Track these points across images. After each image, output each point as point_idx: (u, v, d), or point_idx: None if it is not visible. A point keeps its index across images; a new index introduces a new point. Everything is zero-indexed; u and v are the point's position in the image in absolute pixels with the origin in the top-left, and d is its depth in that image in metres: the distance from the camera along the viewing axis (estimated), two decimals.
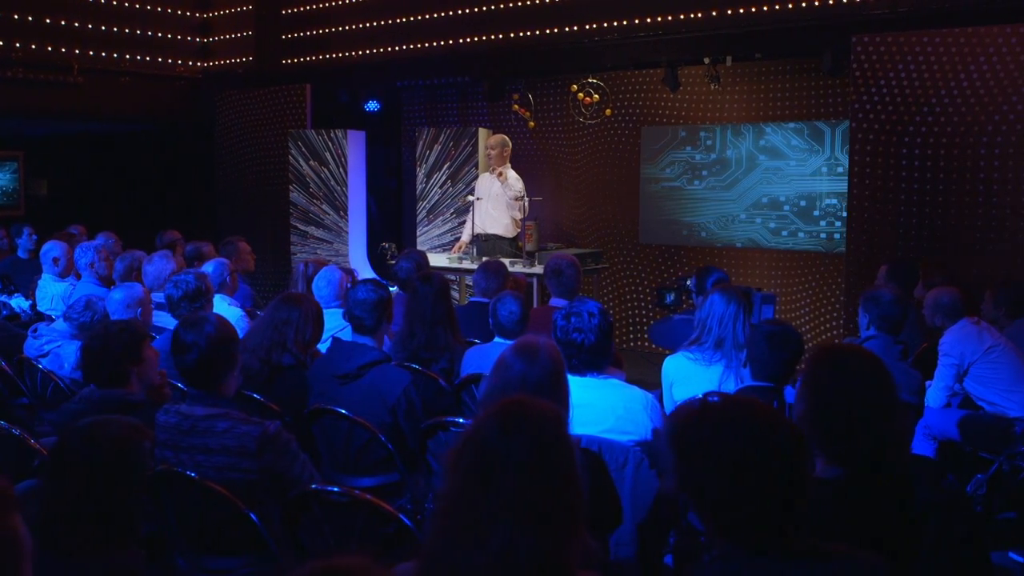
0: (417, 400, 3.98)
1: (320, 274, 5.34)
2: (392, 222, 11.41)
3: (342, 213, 9.75)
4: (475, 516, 1.75)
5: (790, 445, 1.87)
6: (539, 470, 1.78)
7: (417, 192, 9.72)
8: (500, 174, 8.46)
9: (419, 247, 9.56)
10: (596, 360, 3.49)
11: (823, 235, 8.53)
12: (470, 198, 8.43)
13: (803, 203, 8.62)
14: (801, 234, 8.66)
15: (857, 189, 6.97)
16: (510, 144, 8.69)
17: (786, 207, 8.71)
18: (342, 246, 9.78)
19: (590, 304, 3.56)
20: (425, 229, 9.66)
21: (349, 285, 5.34)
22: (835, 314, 8.24)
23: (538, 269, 7.72)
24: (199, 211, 11.36)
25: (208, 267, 5.68)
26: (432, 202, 9.59)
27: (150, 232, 8.69)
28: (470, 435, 1.85)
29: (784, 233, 8.75)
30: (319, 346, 4.54)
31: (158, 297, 5.30)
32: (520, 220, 8.42)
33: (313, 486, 2.93)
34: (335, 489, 2.94)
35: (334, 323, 4.94)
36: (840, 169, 8.31)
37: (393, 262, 6.86)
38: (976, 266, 6.51)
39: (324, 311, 4.54)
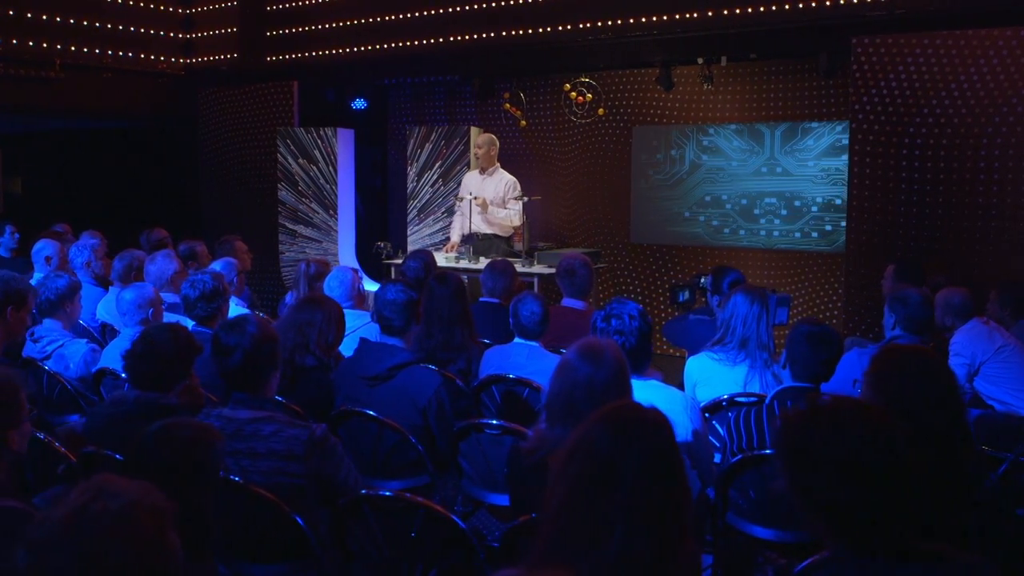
0: (447, 402, 3.94)
1: (332, 274, 5.27)
2: (378, 221, 11.33)
3: (331, 212, 9.66)
4: (591, 521, 1.76)
5: (902, 445, 1.86)
6: (653, 475, 1.80)
7: (408, 191, 9.66)
8: (490, 173, 8.45)
9: (409, 246, 9.50)
10: (637, 362, 3.46)
11: (814, 234, 8.59)
12: (467, 197, 8.37)
13: (797, 203, 8.68)
14: (796, 234, 8.73)
15: (857, 190, 7.02)
16: (498, 143, 8.66)
17: (784, 207, 8.77)
18: (331, 245, 9.69)
19: (630, 306, 3.54)
20: (416, 228, 9.59)
21: (361, 286, 5.29)
22: (834, 312, 8.29)
23: (537, 268, 7.69)
24: (182, 209, 11.20)
25: (215, 267, 5.58)
26: (423, 201, 9.53)
27: (128, 230, 8.53)
28: (580, 443, 1.84)
29: (776, 233, 8.80)
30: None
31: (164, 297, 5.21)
32: (521, 220, 8.36)
33: (364, 491, 2.88)
34: (387, 493, 2.89)
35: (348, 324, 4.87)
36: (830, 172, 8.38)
37: (399, 261, 6.81)
38: (976, 266, 6.58)
39: None
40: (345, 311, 4.92)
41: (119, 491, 1.38)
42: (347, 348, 4.55)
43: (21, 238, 8.77)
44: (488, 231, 8.50)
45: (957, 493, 2.41)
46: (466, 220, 8.38)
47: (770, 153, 8.78)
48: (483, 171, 8.55)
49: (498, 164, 8.58)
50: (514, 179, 8.49)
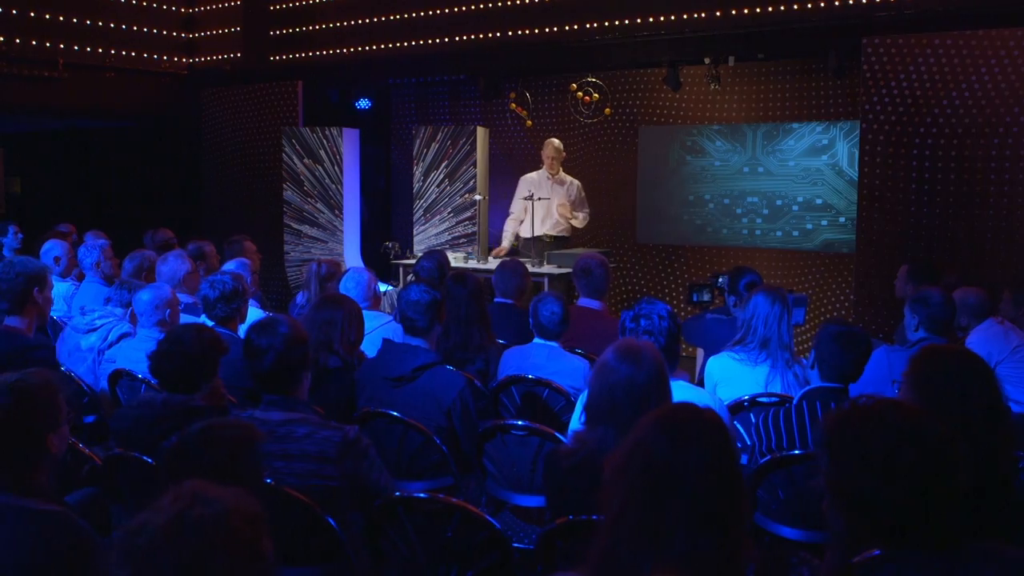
0: (472, 403, 3.92)
1: (348, 275, 5.24)
2: (381, 221, 11.31)
3: (337, 212, 9.63)
4: (653, 525, 1.75)
5: (944, 444, 1.86)
6: (714, 477, 1.79)
7: (414, 191, 9.63)
8: (560, 178, 8.66)
9: (416, 247, 9.48)
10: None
11: (825, 236, 8.60)
12: (476, 197, 8.36)
13: (800, 200, 8.70)
14: (795, 232, 8.75)
15: (867, 190, 7.02)
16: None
17: (794, 207, 8.78)
18: (337, 245, 9.65)
19: (659, 306, 3.53)
20: (422, 228, 9.56)
21: (376, 288, 5.26)
22: (843, 312, 8.28)
23: (547, 269, 7.68)
24: (183, 209, 11.16)
25: (229, 267, 5.56)
26: (429, 201, 9.50)
27: (128, 230, 8.49)
28: (636, 447, 1.83)
29: (778, 233, 8.81)
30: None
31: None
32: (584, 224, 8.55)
33: (398, 493, 2.86)
34: (424, 495, 2.87)
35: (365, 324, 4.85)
36: (836, 169, 8.38)
37: (407, 262, 6.79)
38: (987, 266, 6.58)
39: None
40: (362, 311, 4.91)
41: (214, 498, 1.37)
42: (366, 349, 4.53)
43: (23, 238, 8.74)
44: (555, 233, 8.56)
45: (995, 494, 2.40)
46: (528, 223, 8.40)
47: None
48: (551, 176, 8.63)
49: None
50: (579, 182, 8.68)
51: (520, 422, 3.75)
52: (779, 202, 8.78)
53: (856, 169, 7.50)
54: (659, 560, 1.73)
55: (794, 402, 3.52)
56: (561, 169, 8.76)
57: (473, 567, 2.83)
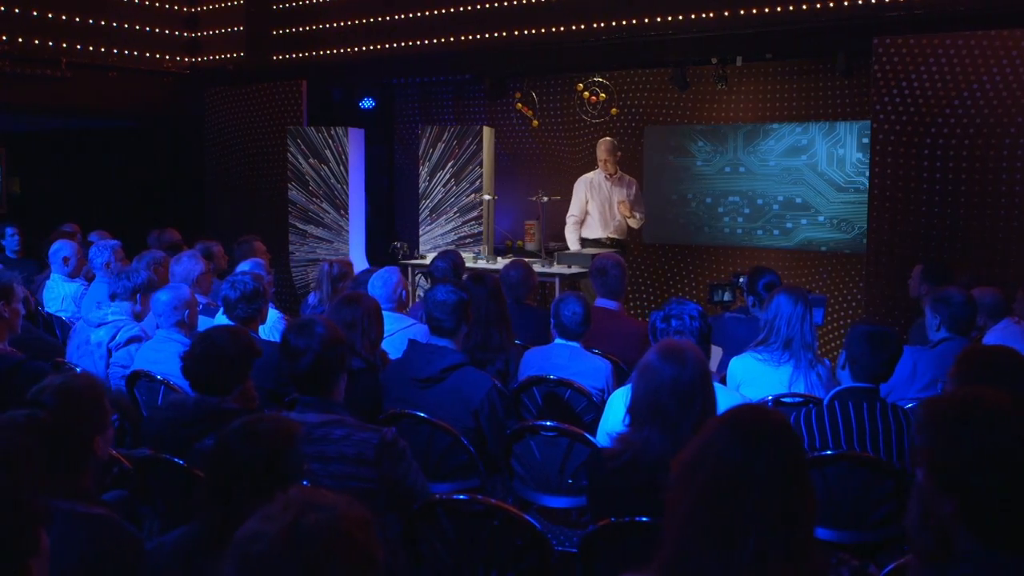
0: (499, 403, 3.91)
1: (376, 274, 5.22)
2: (385, 221, 11.28)
3: (342, 212, 9.61)
4: (723, 528, 1.74)
5: None
6: (785, 480, 1.77)
7: (420, 191, 9.61)
8: (618, 178, 8.51)
9: (422, 246, 9.47)
10: None
11: (844, 236, 8.62)
12: (487, 197, 8.35)
13: (798, 200, 8.72)
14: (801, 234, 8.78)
15: (878, 190, 7.02)
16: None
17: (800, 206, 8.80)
18: (342, 245, 9.63)
19: (690, 306, 3.53)
20: (428, 228, 9.55)
21: (403, 293, 5.23)
22: (852, 312, 8.29)
23: (556, 269, 7.67)
24: (187, 209, 11.11)
25: (244, 267, 5.53)
26: (435, 201, 9.49)
27: (129, 230, 8.44)
28: (706, 449, 1.82)
29: (775, 233, 8.83)
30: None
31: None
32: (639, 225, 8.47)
33: (439, 495, 2.85)
34: (464, 497, 2.86)
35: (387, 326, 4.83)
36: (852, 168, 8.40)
37: (415, 262, 6.77)
38: (999, 266, 6.59)
39: None
40: (384, 313, 4.89)
41: (325, 503, 1.35)
42: (388, 351, 4.51)
43: (21, 240, 8.68)
44: (615, 236, 8.47)
45: None
46: (595, 226, 8.40)
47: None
48: (609, 176, 8.49)
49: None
50: (637, 181, 8.58)
51: (549, 423, 3.74)
52: (798, 200, 8.78)
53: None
54: (729, 562, 1.72)
55: (825, 402, 3.52)
56: (618, 168, 8.55)
57: (513, 569, 2.81)
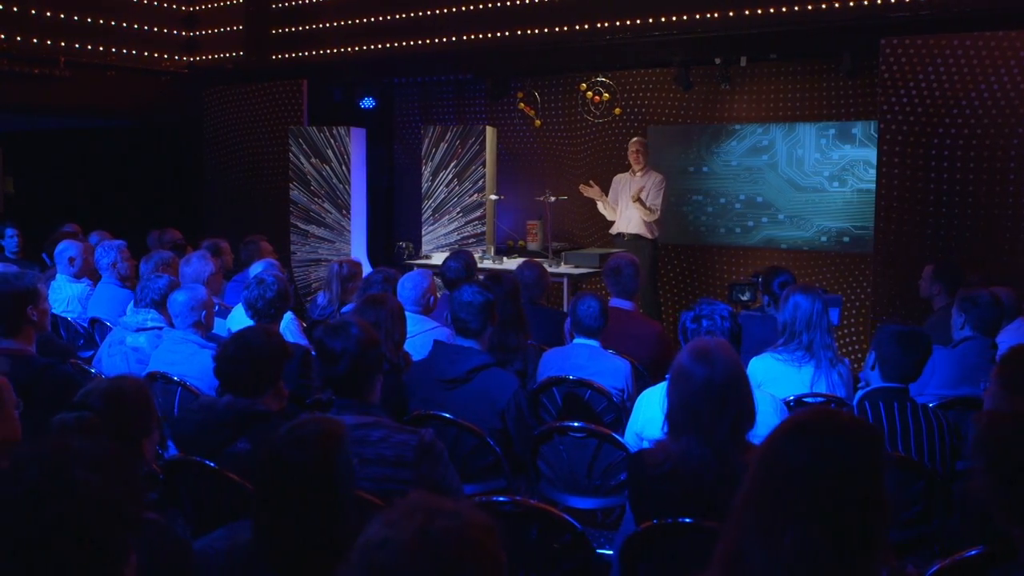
0: (525, 404, 3.90)
1: (406, 276, 5.18)
2: (385, 220, 11.25)
3: (344, 212, 9.58)
4: (792, 540, 1.72)
5: None
6: (855, 490, 1.75)
7: (422, 191, 9.59)
8: (645, 173, 8.46)
9: (424, 247, 9.45)
10: None
11: (845, 239, 8.64)
12: (493, 197, 8.33)
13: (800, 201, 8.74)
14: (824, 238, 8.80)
15: (885, 190, 7.05)
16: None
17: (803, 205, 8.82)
18: (344, 245, 9.61)
19: (720, 307, 3.52)
20: (431, 228, 9.53)
21: (432, 298, 5.21)
22: (861, 311, 8.31)
23: (564, 269, 7.67)
24: (186, 209, 11.06)
25: (257, 268, 5.50)
26: (438, 201, 9.47)
27: (128, 230, 8.39)
28: (774, 455, 1.80)
29: (778, 233, 8.85)
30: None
31: None
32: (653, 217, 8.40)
33: (480, 497, 2.84)
34: (502, 499, 2.85)
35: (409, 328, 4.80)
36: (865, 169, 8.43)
37: (422, 262, 6.75)
38: (1007, 266, 6.62)
39: None
40: (408, 315, 4.87)
41: (448, 510, 1.34)
42: (412, 354, 4.49)
43: (21, 240, 8.60)
44: (636, 232, 8.43)
45: None
46: (622, 222, 8.42)
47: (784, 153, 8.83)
48: (635, 172, 8.49)
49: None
50: (661, 176, 8.50)
51: (577, 423, 3.74)
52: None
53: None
54: (795, 570, 1.70)
55: (855, 402, 3.52)
56: (647, 165, 8.51)
57: (556, 570, 2.80)
